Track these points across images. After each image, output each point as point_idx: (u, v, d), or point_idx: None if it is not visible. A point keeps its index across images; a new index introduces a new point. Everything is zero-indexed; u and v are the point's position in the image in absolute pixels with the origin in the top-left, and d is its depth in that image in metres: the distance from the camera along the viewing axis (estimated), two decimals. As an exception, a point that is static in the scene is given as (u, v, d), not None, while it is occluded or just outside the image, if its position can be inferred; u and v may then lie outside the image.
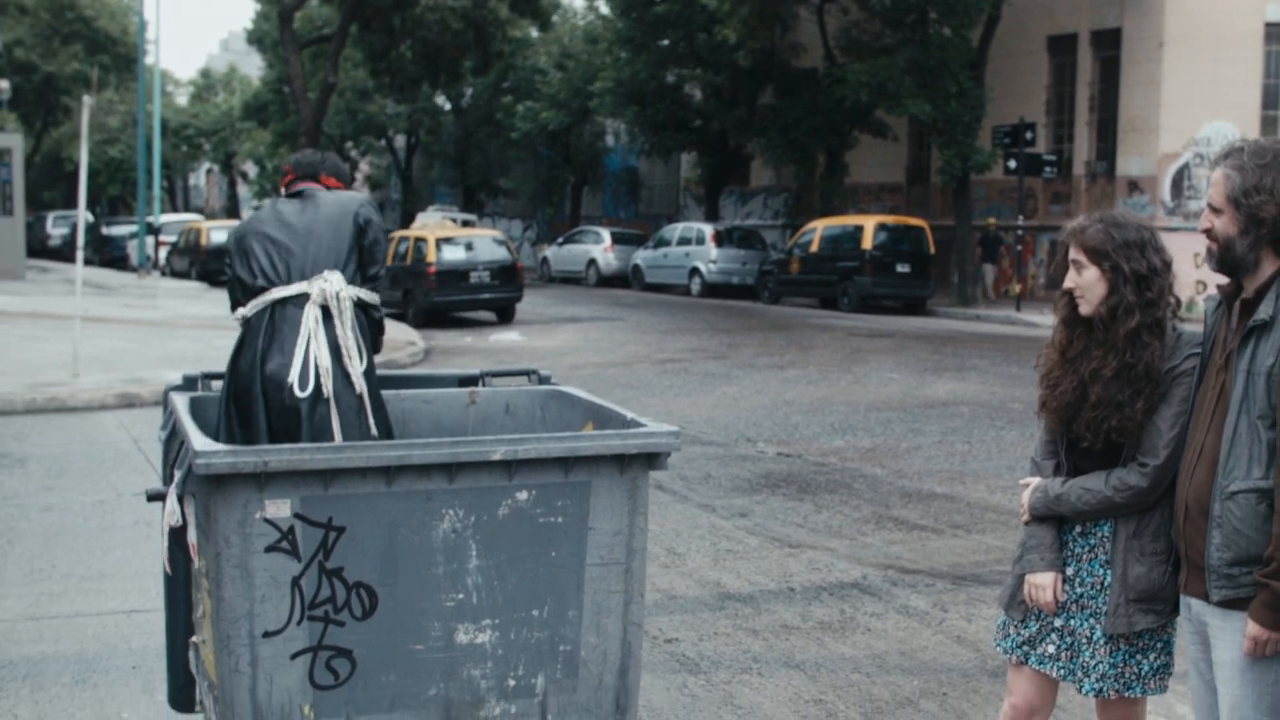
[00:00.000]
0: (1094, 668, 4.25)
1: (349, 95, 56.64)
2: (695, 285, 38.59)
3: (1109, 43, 34.89)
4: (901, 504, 11.04)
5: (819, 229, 35.37)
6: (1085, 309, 4.17)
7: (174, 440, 4.64)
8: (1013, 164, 33.22)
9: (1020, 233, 34.14)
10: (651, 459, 4.40)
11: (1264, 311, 3.75)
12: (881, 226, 33.94)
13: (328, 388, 4.96)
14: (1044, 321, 29.53)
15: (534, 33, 51.85)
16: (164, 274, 45.45)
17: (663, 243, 40.95)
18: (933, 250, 33.82)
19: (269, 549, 3.96)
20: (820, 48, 38.35)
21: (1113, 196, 34.30)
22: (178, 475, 4.03)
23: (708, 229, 39.73)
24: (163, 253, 47.13)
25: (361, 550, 4.06)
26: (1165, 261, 4.19)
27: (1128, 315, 4.08)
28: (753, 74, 39.05)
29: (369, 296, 5.22)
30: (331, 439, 4.92)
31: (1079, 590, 4.27)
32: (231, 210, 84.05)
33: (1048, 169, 33.95)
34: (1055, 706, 4.59)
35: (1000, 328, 29.26)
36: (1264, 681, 3.81)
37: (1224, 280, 3.95)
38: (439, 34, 45.92)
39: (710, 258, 38.55)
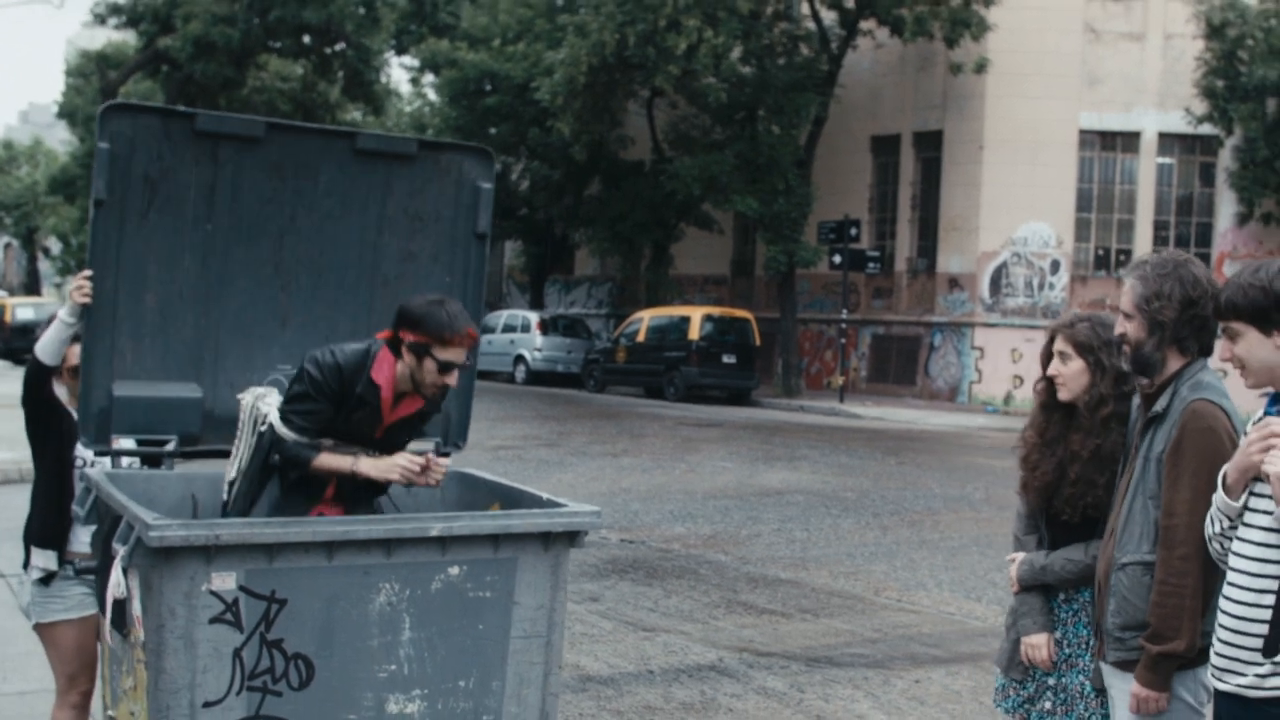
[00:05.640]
0: (1088, 719, 4.69)
1: (169, 174, 55.79)
2: (520, 373, 38.66)
3: (931, 144, 36.08)
4: (749, 589, 11.31)
5: (645, 319, 35.82)
6: (1065, 395, 4.65)
7: (98, 516, 4.69)
8: (837, 259, 34.09)
9: (843, 326, 34.93)
10: (573, 537, 4.63)
11: (1160, 404, 4.24)
12: (708, 318, 34.49)
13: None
14: (866, 413, 30.25)
15: (360, 116, 51.91)
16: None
17: (486, 330, 40.94)
18: (758, 342, 34.46)
19: (213, 620, 4.06)
20: (649, 141, 38.98)
21: (933, 292, 35.36)
22: (121, 549, 4.10)
23: (533, 317, 39.96)
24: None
25: (301, 622, 4.18)
26: None
27: (1102, 405, 4.57)
28: (581, 165, 39.52)
29: (277, 425, 4.95)
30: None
31: (1067, 650, 4.73)
32: (31, 287, 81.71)
33: (871, 265, 34.87)
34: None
35: (824, 419, 29.87)
36: None
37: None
38: (266, 115, 45.78)
39: (535, 345, 38.69)
